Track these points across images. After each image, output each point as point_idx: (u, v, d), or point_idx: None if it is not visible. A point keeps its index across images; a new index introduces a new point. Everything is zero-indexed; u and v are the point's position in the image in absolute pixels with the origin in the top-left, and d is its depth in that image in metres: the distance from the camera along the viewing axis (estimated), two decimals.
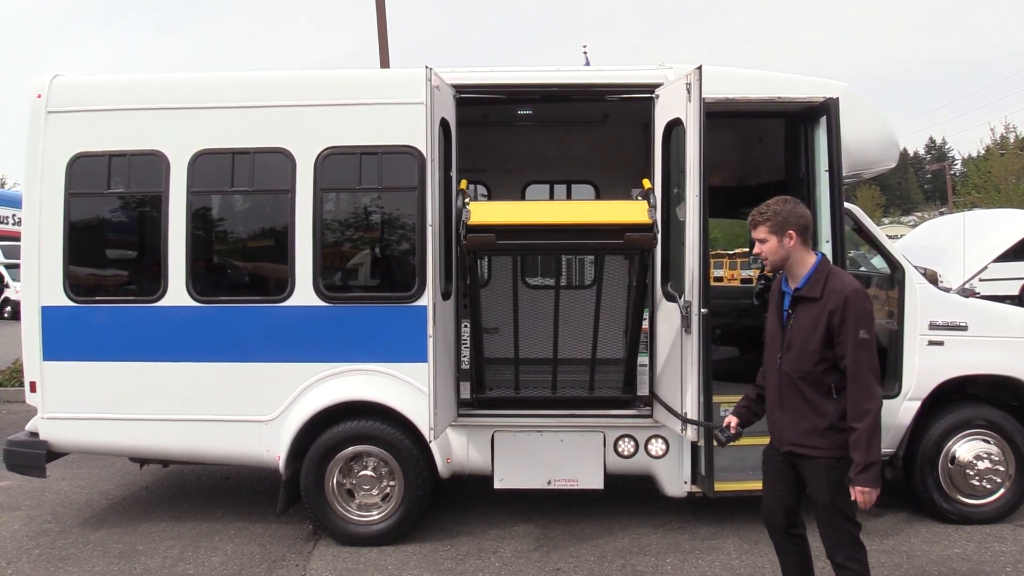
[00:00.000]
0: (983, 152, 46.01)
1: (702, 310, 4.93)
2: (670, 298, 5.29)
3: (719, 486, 5.33)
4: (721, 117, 5.63)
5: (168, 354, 5.57)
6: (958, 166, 67.44)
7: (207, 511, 6.31)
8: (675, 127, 5.30)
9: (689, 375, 4.98)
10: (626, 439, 5.58)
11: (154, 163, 5.60)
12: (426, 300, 5.13)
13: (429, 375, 4.90)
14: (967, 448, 5.67)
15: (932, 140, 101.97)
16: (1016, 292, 20.82)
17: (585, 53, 10.08)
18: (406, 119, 5.44)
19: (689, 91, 4.97)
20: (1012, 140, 42.62)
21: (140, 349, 5.58)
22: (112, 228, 5.84)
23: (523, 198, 7.58)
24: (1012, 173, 39.95)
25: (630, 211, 4.94)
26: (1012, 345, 5.68)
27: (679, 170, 5.24)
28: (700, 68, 4.89)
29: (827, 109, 5.38)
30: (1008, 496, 5.67)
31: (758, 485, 5.56)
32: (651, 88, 5.52)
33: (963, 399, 5.83)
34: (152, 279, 5.62)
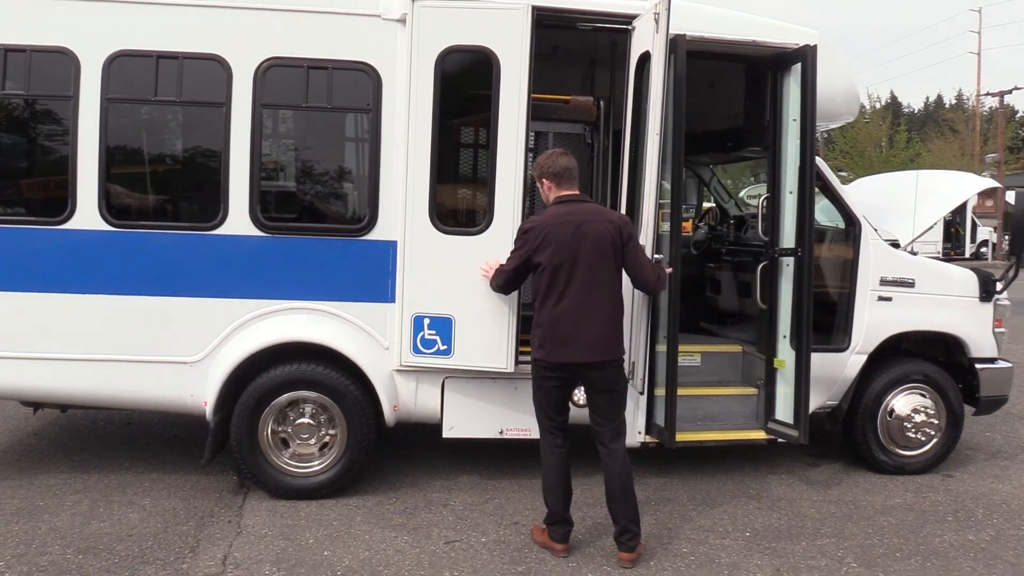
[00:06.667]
0: None
1: (655, 256, 4.75)
2: None
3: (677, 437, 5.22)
4: (689, 57, 5.39)
5: (77, 285, 4.86)
6: (825, 132, 70.71)
7: (112, 461, 5.67)
8: (646, 62, 5.02)
9: (638, 322, 4.82)
10: (581, 388, 5.35)
11: (61, 63, 4.78)
12: (380, 234, 4.75)
13: (398, 314, 4.49)
14: (905, 402, 5.81)
15: None
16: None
17: None
18: (361, 31, 4.91)
19: (657, 22, 4.70)
20: (875, 108, 45.06)
21: (42, 278, 4.83)
22: (8, 135, 4.99)
23: None
24: (875, 141, 42.23)
25: None
26: (954, 303, 5.83)
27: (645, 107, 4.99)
28: None
29: (803, 57, 5.21)
30: (938, 448, 5.88)
31: (715, 436, 5.58)
32: (629, 19, 5.19)
33: (900, 354, 5.97)
34: (57, 197, 4.85)
